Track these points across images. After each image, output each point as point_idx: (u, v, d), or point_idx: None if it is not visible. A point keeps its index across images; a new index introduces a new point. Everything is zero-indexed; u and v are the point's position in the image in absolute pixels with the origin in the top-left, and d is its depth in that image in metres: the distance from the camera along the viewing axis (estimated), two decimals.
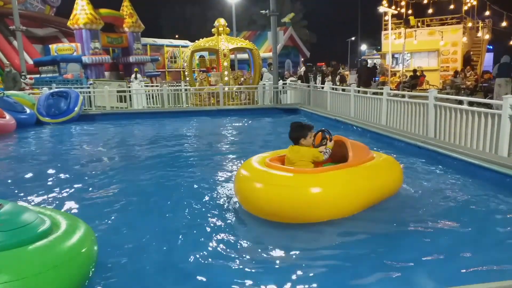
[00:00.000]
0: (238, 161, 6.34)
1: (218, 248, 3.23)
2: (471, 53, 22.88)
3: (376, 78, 17.19)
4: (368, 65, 17.02)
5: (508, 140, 5.12)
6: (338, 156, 4.25)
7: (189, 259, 3.07)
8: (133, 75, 19.13)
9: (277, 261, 3.02)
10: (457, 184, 4.81)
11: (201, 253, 3.15)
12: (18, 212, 2.46)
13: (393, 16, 23.00)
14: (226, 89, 13.52)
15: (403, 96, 8.16)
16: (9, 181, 5.48)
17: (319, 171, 3.71)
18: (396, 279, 2.73)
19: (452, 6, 24.49)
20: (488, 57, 25.72)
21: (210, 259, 3.06)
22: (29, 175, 5.75)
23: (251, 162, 4.07)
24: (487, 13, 24.74)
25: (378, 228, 3.55)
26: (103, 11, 21.56)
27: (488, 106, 7.92)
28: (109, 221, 3.90)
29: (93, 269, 2.66)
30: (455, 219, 3.74)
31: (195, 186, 5.00)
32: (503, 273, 2.76)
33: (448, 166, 5.48)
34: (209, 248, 3.23)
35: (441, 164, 5.60)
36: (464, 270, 2.81)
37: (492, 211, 3.93)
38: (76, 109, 11.52)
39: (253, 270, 2.88)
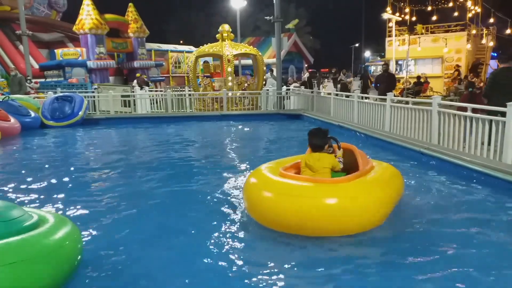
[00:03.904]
0: (241, 166, 6.34)
1: (218, 255, 3.22)
2: (480, 60, 22.79)
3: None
4: (389, 71, 13.61)
5: None
6: (345, 165, 4.02)
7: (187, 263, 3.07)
8: (135, 81, 19.22)
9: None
10: (460, 191, 4.77)
11: (200, 260, 3.15)
12: (6, 207, 2.68)
13: (397, 22, 23.01)
14: (230, 94, 13.55)
15: (407, 102, 8.15)
16: (10, 182, 5.49)
17: (347, 180, 3.49)
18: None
19: (456, 13, 24.55)
20: (493, 64, 25.69)
21: (208, 267, 3.06)
22: (30, 177, 5.78)
23: (262, 171, 3.85)
24: (492, 20, 24.78)
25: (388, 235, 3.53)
26: (108, 16, 21.73)
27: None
28: (106, 224, 3.91)
29: (76, 264, 2.84)
30: (460, 227, 3.72)
31: (197, 191, 5.00)
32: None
33: (451, 173, 5.45)
34: (208, 256, 3.23)
35: (444, 171, 5.57)
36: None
37: (496, 218, 3.90)
38: (80, 113, 11.58)
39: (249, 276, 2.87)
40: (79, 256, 2.89)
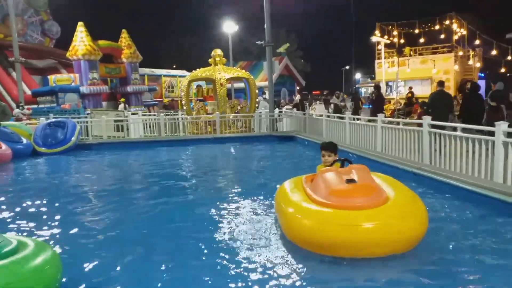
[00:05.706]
0: (236, 189, 6.33)
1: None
2: (467, 80, 23.33)
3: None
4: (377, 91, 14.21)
5: (502, 166, 5.15)
6: None
7: None
8: (121, 105, 19.31)
9: None
10: (452, 210, 4.79)
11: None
12: None
13: (386, 45, 23.53)
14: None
15: (398, 123, 8.25)
16: None
17: None
18: None
19: (443, 36, 25.22)
20: (481, 85, 26.23)
21: None
22: (16, 204, 5.69)
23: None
24: (477, 42, 25.46)
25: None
26: (102, 42, 21.95)
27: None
28: (97, 253, 3.84)
29: None
30: (451, 245, 3.72)
31: (192, 215, 4.97)
32: None
33: (443, 192, 5.48)
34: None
35: (436, 191, 5.59)
36: None
37: (488, 236, 3.91)
38: (72, 138, 11.52)
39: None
40: (59, 282, 2.91)
